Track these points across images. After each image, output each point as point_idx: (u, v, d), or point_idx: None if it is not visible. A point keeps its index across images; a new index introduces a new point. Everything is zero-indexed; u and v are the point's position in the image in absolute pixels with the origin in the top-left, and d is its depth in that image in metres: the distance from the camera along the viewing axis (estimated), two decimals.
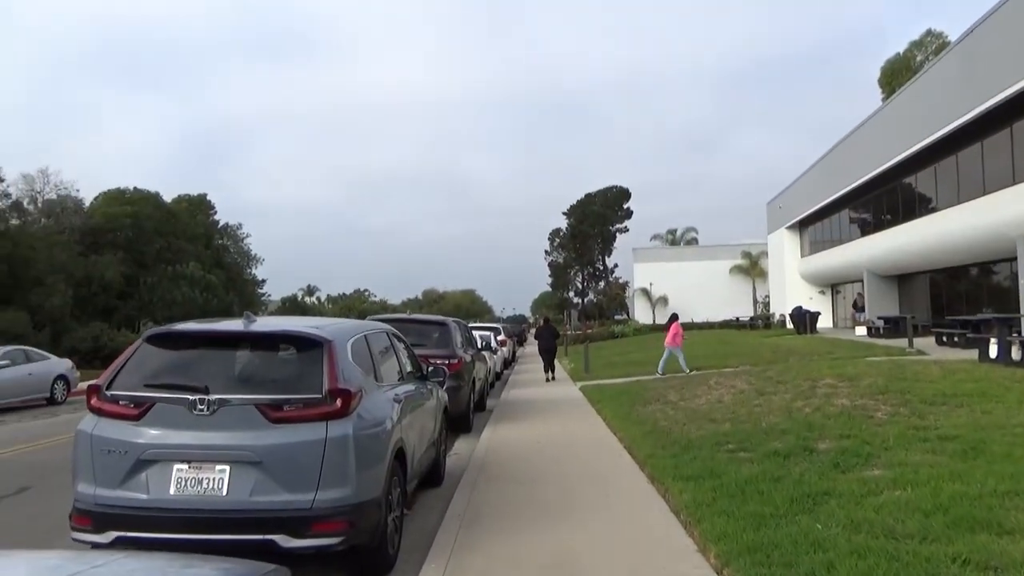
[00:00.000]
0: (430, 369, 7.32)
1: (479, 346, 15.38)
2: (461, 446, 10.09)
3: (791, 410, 9.03)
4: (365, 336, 5.64)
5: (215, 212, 60.15)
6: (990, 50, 18.48)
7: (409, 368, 6.92)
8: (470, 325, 22.08)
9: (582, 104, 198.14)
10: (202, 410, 4.32)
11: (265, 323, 5.19)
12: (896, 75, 51.76)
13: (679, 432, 8.71)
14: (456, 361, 11.02)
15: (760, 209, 55.30)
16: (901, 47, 57.66)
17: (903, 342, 21.94)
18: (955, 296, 26.17)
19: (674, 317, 18.26)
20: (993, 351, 11.68)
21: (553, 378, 19.83)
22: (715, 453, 7.25)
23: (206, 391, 4.35)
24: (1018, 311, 20.44)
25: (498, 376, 21.99)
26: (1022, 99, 17.49)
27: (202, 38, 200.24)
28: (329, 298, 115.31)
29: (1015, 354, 11.14)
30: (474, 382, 12.38)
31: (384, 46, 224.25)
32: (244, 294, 56.10)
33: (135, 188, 49.57)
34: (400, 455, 5.37)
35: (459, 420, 11.09)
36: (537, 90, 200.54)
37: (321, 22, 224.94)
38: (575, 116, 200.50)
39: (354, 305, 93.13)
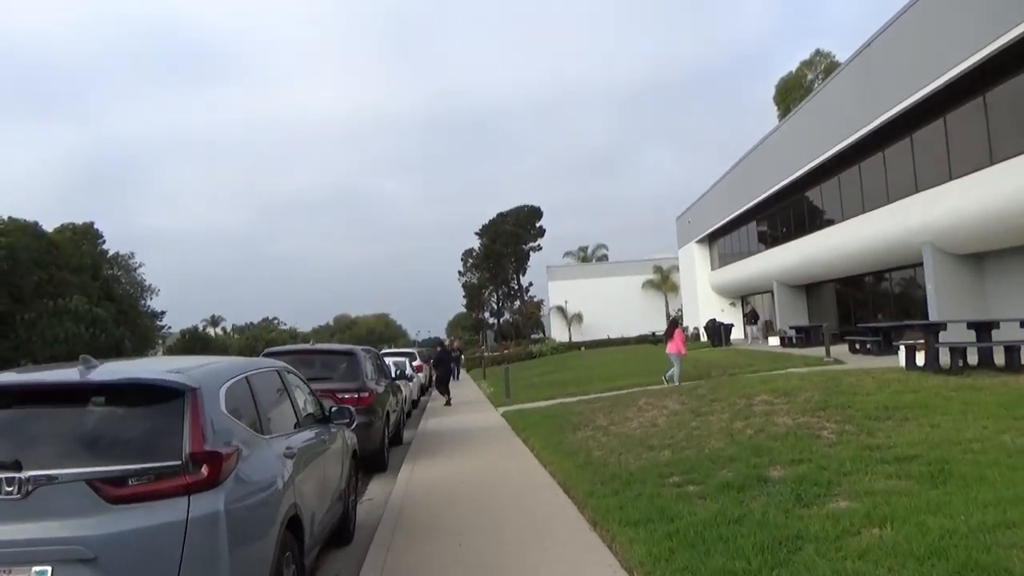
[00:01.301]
0: (333, 409, 6.28)
1: (393, 375, 14.30)
2: (375, 489, 9.02)
3: (732, 432, 8.41)
4: (247, 378, 4.58)
5: (103, 241, 56.45)
6: (887, 63, 18.91)
7: (308, 410, 5.88)
8: (383, 352, 20.89)
9: (491, 125, 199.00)
10: (11, 492, 3.20)
11: (109, 369, 4.06)
12: (790, 92, 53.87)
13: (616, 463, 7.94)
14: (367, 394, 9.96)
15: (669, 225, 56.29)
16: (793, 66, 60.07)
17: (817, 351, 22.12)
18: (859, 304, 26.82)
19: (675, 323, 17.22)
20: (920, 359, 11.51)
21: (448, 402, 19.49)
22: (661, 488, 6.49)
23: (16, 467, 3.23)
24: (923, 317, 20.93)
25: (415, 404, 20.86)
26: (919, 110, 17.93)
27: (95, 61, 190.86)
28: (235, 328, 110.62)
29: (943, 361, 10.99)
30: (388, 415, 11.30)
31: (293, 67, 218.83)
32: (138, 328, 52.61)
33: (9, 218, 45.77)
34: (294, 523, 4.34)
35: (372, 459, 10.01)
36: (447, 111, 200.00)
37: (227, 43, 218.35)
38: (485, 137, 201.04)
39: (261, 335, 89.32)
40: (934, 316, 18.21)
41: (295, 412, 5.35)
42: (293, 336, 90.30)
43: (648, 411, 11.13)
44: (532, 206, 73.13)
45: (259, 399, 4.62)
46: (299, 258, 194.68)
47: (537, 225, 72.86)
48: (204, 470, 3.43)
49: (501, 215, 72.05)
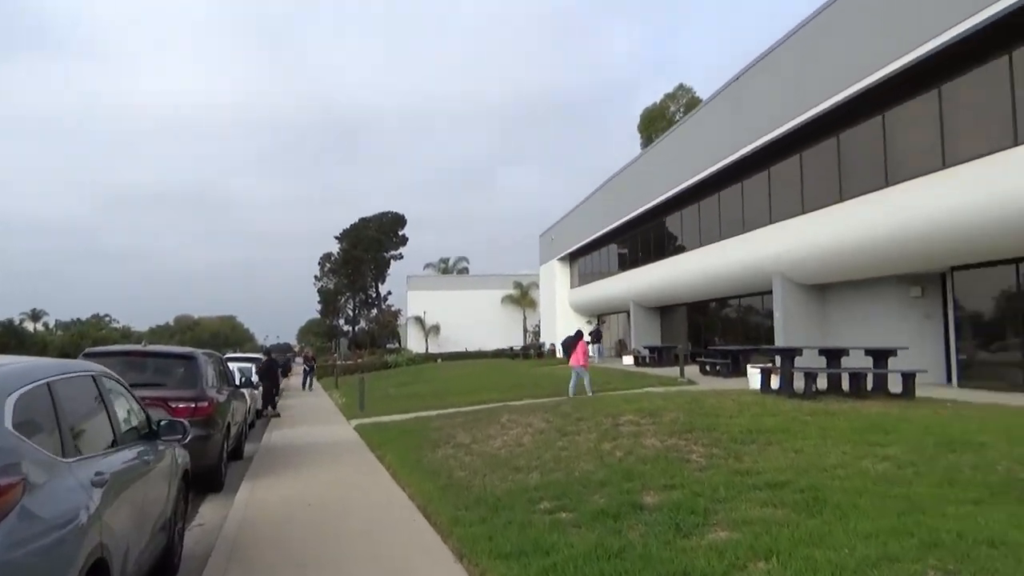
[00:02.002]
0: (162, 423, 5.34)
1: (237, 382, 13.07)
2: (209, 512, 7.98)
3: (601, 454, 8.13)
4: (48, 385, 3.67)
5: None
6: (751, 99, 19.86)
7: (130, 424, 4.95)
8: (226, 356, 19.36)
9: (358, 133, 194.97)
10: None
11: None
12: (653, 122, 56.29)
13: (481, 485, 7.42)
14: (206, 404, 8.88)
15: (531, 243, 56.88)
16: (656, 98, 62.91)
17: (670, 371, 22.77)
18: (708, 327, 28.08)
19: (579, 335, 16.90)
20: (775, 382, 11.88)
21: (277, 415, 18.93)
22: (531, 515, 6.04)
23: None
24: (767, 342, 22.06)
25: (259, 414, 19.41)
26: (776, 145, 18.92)
27: None
28: (59, 324, 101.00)
29: (796, 386, 11.38)
30: (229, 427, 10.19)
31: (147, 52, 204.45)
32: None
33: None
34: (100, 567, 3.47)
35: (207, 476, 8.92)
36: (312, 116, 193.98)
37: (71, 14, 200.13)
38: (350, 144, 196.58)
39: (89, 332, 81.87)
40: (780, 342, 19.17)
41: (112, 427, 4.42)
42: (126, 336, 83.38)
43: (512, 429, 10.71)
44: (396, 213, 71.92)
45: (63, 412, 3.71)
46: (141, 254, 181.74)
47: (400, 233, 71.66)
48: None
49: (364, 220, 70.25)
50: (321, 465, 10.19)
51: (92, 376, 4.47)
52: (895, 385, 11.58)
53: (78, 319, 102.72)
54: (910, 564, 4.20)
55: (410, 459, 9.59)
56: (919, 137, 14.55)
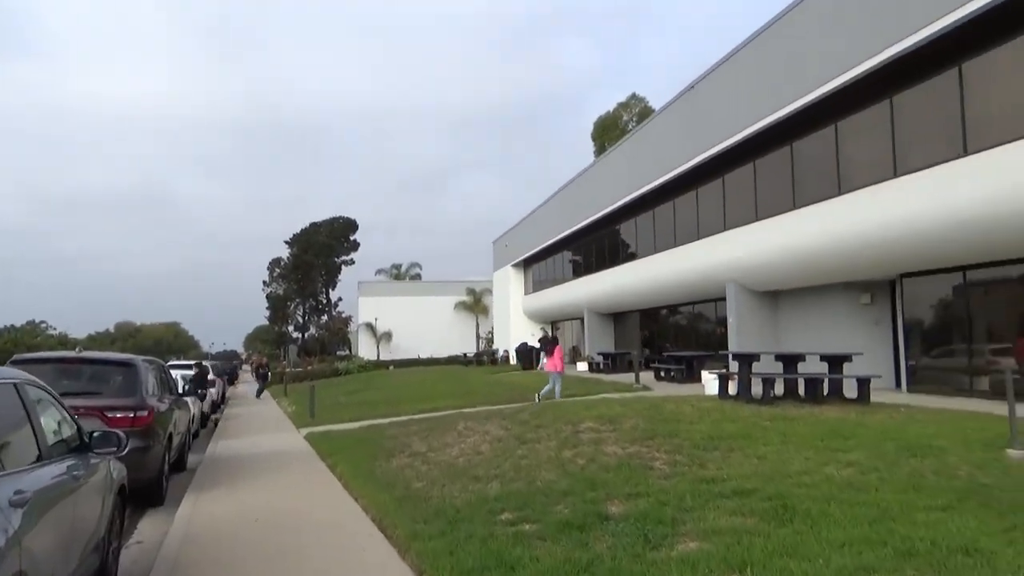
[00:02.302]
0: (95, 434, 4.93)
1: (180, 390, 12.50)
2: (148, 529, 7.52)
3: (562, 462, 7.92)
4: None
5: None
6: (706, 107, 20.01)
7: (59, 437, 4.55)
8: (169, 364, 18.62)
9: (309, 137, 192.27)
10: None
11: None
12: (607, 130, 56.77)
13: (440, 496, 7.13)
14: (145, 413, 8.38)
15: (484, 250, 56.69)
16: (610, 107, 63.35)
17: (625, 377, 22.78)
18: (661, 333, 28.22)
19: (555, 340, 17.02)
20: (732, 388, 11.85)
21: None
22: (493, 527, 5.78)
23: None
24: (719, 347, 22.23)
25: (203, 423, 18.72)
26: (731, 154, 19.07)
27: None
28: None
29: (754, 391, 11.37)
30: (171, 438, 9.69)
31: (93, 50, 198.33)
32: None
33: None
34: None
35: (147, 490, 8.44)
36: (261, 114, 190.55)
37: (12, 10, 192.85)
38: (301, 148, 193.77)
39: (24, 339, 78.50)
40: (734, 347, 19.28)
41: (37, 440, 4.02)
42: (63, 343, 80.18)
43: (469, 436, 10.44)
44: (348, 218, 70.88)
45: None
46: (82, 259, 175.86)
47: (352, 238, 70.63)
48: None
49: (315, 225, 69.03)
50: (269, 476, 9.75)
51: (14, 384, 4.06)
52: (850, 391, 11.67)
53: (11, 326, 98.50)
54: (888, 575, 4.07)
55: (364, 469, 9.23)
56: (871, 147, 14.77)
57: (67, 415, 4.88)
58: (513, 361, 39.07)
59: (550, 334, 36.61)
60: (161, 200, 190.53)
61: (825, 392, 11.30)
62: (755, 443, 8.08)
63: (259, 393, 32.16)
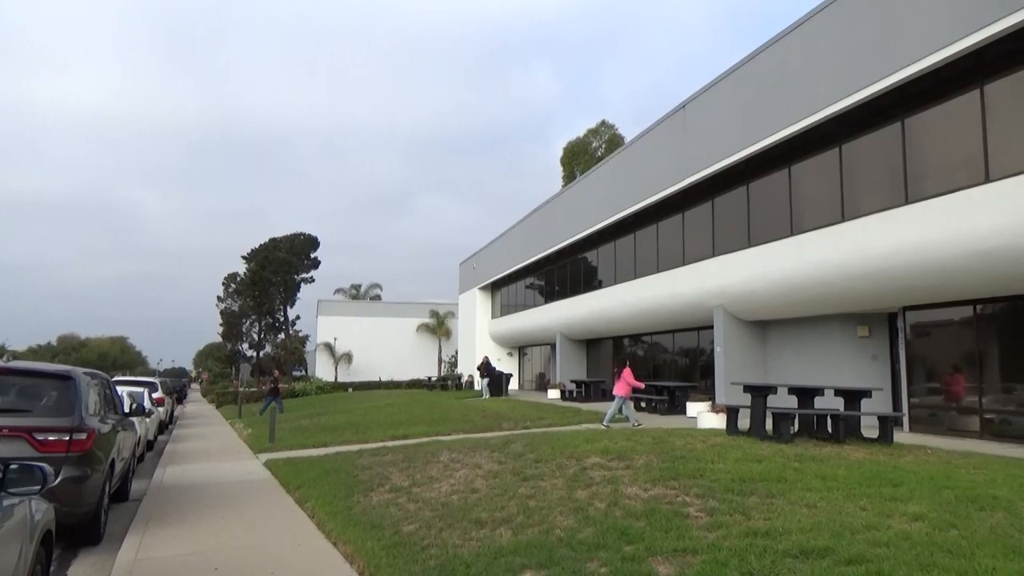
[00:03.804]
0: (10, 469, 3.71)
1: (126, 408, 11.07)
2: None
3: (578, 505, 6.82)
4: None
5: None
6: (695, 129, 19.33)
7: None
8: (115, 380, 17.07)
9: (271, 152, 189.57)
10: None
11: None
12: (576, 155, 56.36)
13: (439, 544, 5.97)
14: (84, 435, 7.04)
15: (446, 272, 55.49)
16: (580, 132, 63.01)
17: (599, 406, 21.77)
18: (639, 362, 27.28)
19: (624, 362, 15.75)
20: (744, 423, 10.91)
21: None
22: None
23: None
24: (701, 378, 21.38)
25: (150, 446, 17.12)
26: (723, 177, 18.38)
27: None
28: None
29: (768, 426, 10.43)
30: (113, 464, 8.32)
31: (41, 49, 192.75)
32: None
33: None
34: None
35: (83, 526, 7.10)
36: (222, 127, 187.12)
37: None
38: (261, 163, 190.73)
39: None
40: (721, 379, 18.45)
41: None
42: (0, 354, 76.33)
43: (458, 470, 9.26)
44: (309, 235, 68.76)
45: None
46: (24, 268, 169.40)
47: (312, 256, 68.56)
48: None
49: (274, 240, 66.86)
50: (228, 511, 8.43)
51: None
52: (868, 429, 10.83)
53: None
54: None
55: (340, 506, 8.00)
56: (876, 171, 14.15)
57: None
58: (478, 386, 37.78)
59: (486, 359, 34.93)
60: (107, 208, 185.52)
61: (841, 430, 10.40)
62: (793, 488, 7.08)
63: (263, 410, 27.77)
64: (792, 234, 16.02)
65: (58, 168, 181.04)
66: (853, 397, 10.93)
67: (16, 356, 74.09)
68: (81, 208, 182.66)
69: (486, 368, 30.05)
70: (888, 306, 14.94)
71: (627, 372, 15.78)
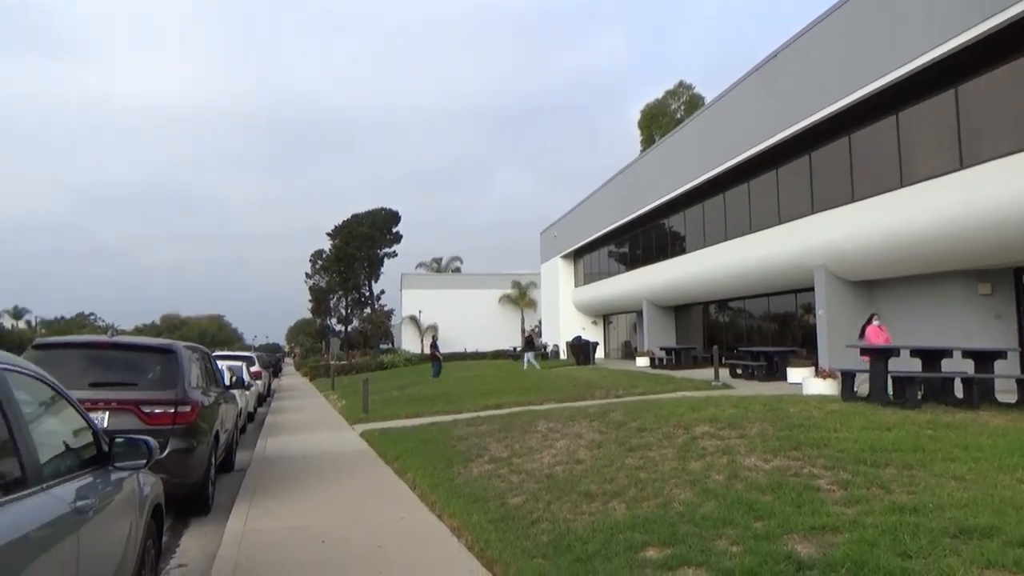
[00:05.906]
0: (117, 442, 3.58)
1: (227, 382, 11.25)
2: (193, 547, 6.20)
3: (694, 477, 6.38)
4: None
5: None
6: (788, 79, 18.20)
7: (65, 447, 3.19)
8: (215, 354, 17.54)
9: (348, 131, 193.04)
10: None
11: None
12: (655, 118, 54.74)
13: (550, 519, 5.67)
14: (188, 408, 7.06)
15: (523, 245, 55.13)
16: (658, 95, 61.00)
17: (693, 373, 21.15)
18: (729, 327, 26.33)
19: (870, 319, 13.66)
20: (863, 388, 10.16)
21: None
22: (642, 571, 4.30)
23: None
24: (799, 343, 20.39)
25: (251, 418, 17.59)
26: (820, 127, 17.25)
27: None
28: (43, 322, 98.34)
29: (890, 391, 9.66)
30: (218, 436, 8.39)
31: (131, 52, 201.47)
32: None
33: None
34: None
35: (192, 498, 7.17)
36: (301, 111, 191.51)
37: (47, 9, 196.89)
38: (341, 143, 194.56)
39: (72, 330, 79.53)
40: (823, 342, 17.51)
41: (19, 455, 2.63)
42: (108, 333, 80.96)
43: (557, 440, 8.96)
44: (390, 209, 69.60)
45: None
46: (131, 254, 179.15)
47: (394, 230, 69.40)
48: None
49: (356, 216, 67.97)
50: (329, 483, 8.40)
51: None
52: (1002, 394, 9.92)
53: (62, 317, 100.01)
54: None
55: (440, 477, 7.82)
56: (1001, 111, 12.88)
57: (79, 417, 3.52)
58: (563, 356, 37.51)
59: (531, 332, 35.62)
60: (203, 194, 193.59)
61: (975, 395, 9.54)
62: (934, 458, 6.44)
63: (436, 374, 29.25)
64: (902, 185, 14.86)
65: (155, 161, 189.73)
66: (985, 359, 10.01)
67: (122, 334, 78.43)
68: (177, 196, 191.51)
69: (530, 342, 30.45)
70: (1014, 260, 13.70)
71: (872, 329, 13.58)
